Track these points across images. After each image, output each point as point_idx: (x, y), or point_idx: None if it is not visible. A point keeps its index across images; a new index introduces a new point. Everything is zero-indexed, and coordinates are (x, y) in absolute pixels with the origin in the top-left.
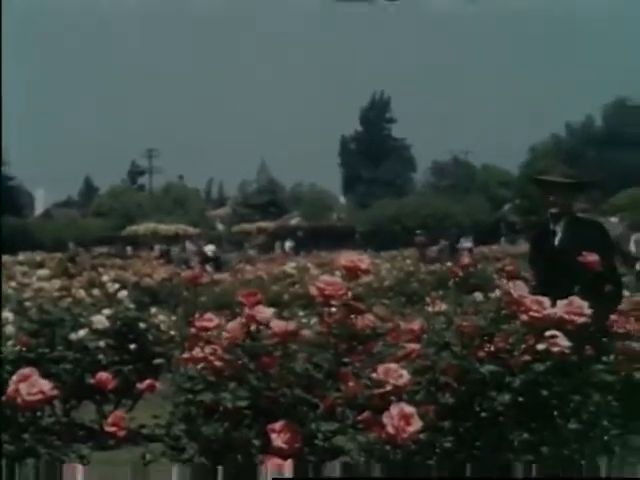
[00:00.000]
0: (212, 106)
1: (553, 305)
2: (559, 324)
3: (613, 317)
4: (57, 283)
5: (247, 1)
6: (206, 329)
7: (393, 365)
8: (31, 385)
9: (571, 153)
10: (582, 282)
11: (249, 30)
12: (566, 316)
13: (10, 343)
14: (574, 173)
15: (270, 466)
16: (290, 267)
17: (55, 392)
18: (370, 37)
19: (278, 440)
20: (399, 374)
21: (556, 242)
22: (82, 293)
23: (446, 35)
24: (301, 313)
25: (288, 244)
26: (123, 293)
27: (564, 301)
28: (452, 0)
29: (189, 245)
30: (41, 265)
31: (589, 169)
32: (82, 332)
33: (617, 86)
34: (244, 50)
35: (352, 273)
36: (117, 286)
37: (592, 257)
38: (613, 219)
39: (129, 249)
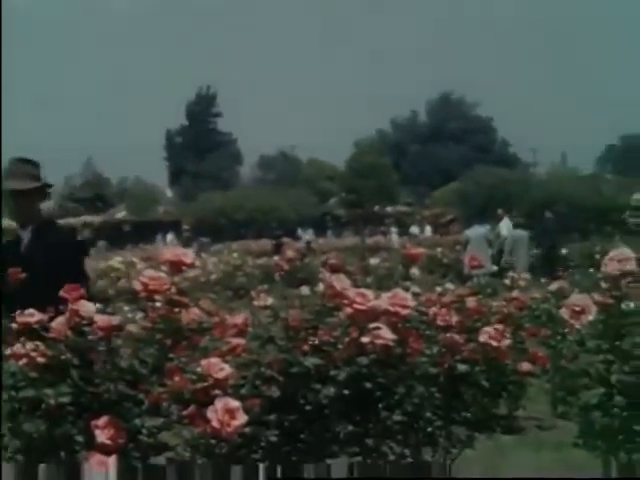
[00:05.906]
0: (37, 99)
1: None
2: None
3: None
4: None
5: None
6: (28, 324)
7: (215, 359)
8: None
9: (396, 148)
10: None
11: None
12: (391, 308)
13: None
14: (36, 174)
15: (94, 463)
16: (116, 261)
17: None
18: (197, 31)
19: (102, 436)
20: (220, 367)
21: (22, 249)
22: None
23: (278, 32)
24: (127, 308)
25: (169, 236)
26: None
27: (388, 293)
28: None
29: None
30: None
31: (414, 163)
32: None
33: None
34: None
35: (177, 267)
36: None
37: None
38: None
39: None
